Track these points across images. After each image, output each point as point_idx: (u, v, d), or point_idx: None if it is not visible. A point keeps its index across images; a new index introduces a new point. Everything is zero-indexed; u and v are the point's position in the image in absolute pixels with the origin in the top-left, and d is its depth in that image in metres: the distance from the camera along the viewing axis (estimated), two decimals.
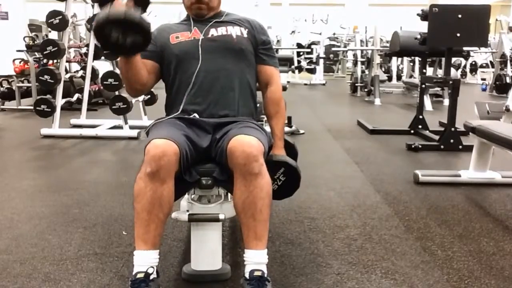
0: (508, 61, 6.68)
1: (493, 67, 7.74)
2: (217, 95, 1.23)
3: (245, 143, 1.07)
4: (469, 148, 2.44)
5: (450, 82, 2.83)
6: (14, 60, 5.17)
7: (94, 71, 3.96)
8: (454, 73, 5.68)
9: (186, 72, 1.25)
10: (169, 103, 1.31)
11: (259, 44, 1.30)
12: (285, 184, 1.23)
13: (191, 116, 1.22)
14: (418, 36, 3.03)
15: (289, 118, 3.50)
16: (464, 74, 8.96)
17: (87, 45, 3.79)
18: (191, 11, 1.30)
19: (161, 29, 1.32)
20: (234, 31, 1.27)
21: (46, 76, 3.20)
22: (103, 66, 4.03)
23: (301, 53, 9.06)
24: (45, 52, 3.24)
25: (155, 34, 1.29)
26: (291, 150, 1.35)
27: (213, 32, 1.26)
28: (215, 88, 1.23)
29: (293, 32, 9.49)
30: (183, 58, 1.25)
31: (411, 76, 7.10)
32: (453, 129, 2.86)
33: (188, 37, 1.26)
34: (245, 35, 1.27)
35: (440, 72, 5.10)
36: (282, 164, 1.22)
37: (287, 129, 3.44)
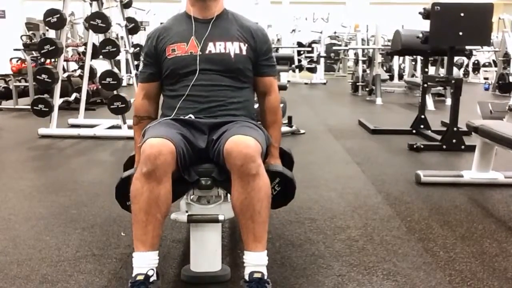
0: (511, 60, 6.64)
1: (496, 66, 7.71)
2: (212, 110, 1.21)
3: (242, 143, 1.05)
4: (471, 148, 2.42)
5: (453, 81, 2.82)
6: (11, 59, 5.16)
7: (92, 70, 3.94)
8: (457, 72, 5.65)
9: (181, 85, 1.23)
10: (165, 108, 1.29)
11: (261, 55, 1.27)
12: (280, 194, 1.22)
13: (187, 117, 1.20)
14: (420, 35, 3.01)
15: (290, 118, 3.48)
16: (466, 73, 8.92)
17: (85, 44, 3.77)
18: (196, 8, 1.24)
19: (156, 35, 1.27)
20: (233, 48, 1.22)
21: (43, 75, 3.19)
22: (101, 65, 4.01)
23: (302, 52, 9.04)
24: (42, 51, 3.22)
25: (153, 44, 1.25)
26: (287, 158, 1.34)
27: (211, 47, 1.21)
28: (210, 102, 1.21)
29: (293, 30, 9.47)
30: (179, 73, 1.22)
31: (413, 75, 7.08)
32: (455, 129, 2.84)
33: (185, 51, 1.22)
34: (244, 52, 1.23)
35: (442, 71, 5.08)
36: (278, 175, 1.21)
37: (287, 129, 3.42)
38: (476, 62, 8.78)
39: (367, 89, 6.07)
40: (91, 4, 3.56)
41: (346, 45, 9.16)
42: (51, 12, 3.25)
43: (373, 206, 1.83)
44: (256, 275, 1.06)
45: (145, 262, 1.07)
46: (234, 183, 1.08)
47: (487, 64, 8.71)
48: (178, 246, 1.44)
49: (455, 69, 4.27)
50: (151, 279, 1.05)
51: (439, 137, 2.98)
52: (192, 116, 1.20)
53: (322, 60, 8.81)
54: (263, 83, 1.30)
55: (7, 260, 1.33)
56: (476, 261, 1.35)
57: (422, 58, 4.54)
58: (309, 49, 9.05)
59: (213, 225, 1.17)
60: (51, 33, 4.78)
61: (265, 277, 1.07)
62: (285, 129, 3.41)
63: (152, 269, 1.06)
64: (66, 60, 4.46)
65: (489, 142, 1.95)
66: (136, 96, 1.32)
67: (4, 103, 4.89)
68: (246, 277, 1.07)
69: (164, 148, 1.04)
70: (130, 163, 1.32)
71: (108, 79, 3.25)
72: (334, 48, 9.40)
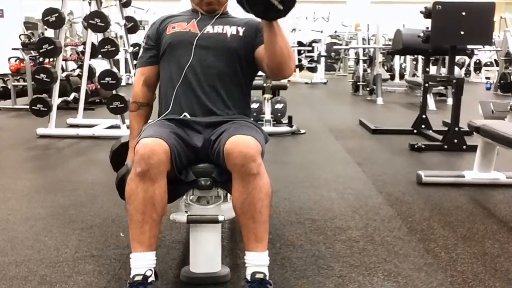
0: None
1: (497, 65, 7.69)
2: (205, 93, 1.20)
3: (242, 143, 1.05)
4: (473, 148, 2.40)
5: (454, 81, 2.81)
6: (9, 59, 5.13)
7: (91, 70, 3.93)
8: (458, 72, 5.64)
9: (176, 64, 1.22)
10: (160, 97, 1.29)
11: (261, 29, 1.22)
12: None
13: (181, 116, 1.20)
14: (421, 34, 3.00)
15: (290, 118, 3.47)
16: (468, 73, 8.89)
17: (84, 43, 3.76)
18: (202, 6, 1.26)
19: (161, 20, 1.29)
20: (230, 30, 1.23)
21: (42, 75, 3.17)
22: (100, 64, 4.00)
23: (302, 52, 9.02)
24: (41, 50, 3.20)
25: (157, 27, 1.27)
26: None
27: (209, 29, 1.24)
28: (204, 86, 1.20)
29: (293, 30, 9.44)
30: (175, 47, 1.23)
31: (414, 75, 7.06)
32: (457, 128, 2.83)
33: (184, 28, 1.24)
34: (241, 34, 1.23)
35: (444, 71, 5.06)
36: None
37: (288, 128, 3.41)
38: (477, 61, 8.75)
39: (368, 89, 6.06)
40: (90, 3, 3.55)
41: (346, 45, 9.14)
42: (49, 11, 3.23)
43: (374, 206, 1.82)
44: (258, 276, 1.06)
45: (142, 262, 1.06)
46: (235, 183, 1.07)
47: (488, 63, 8.69)
48: (177, 246, 1.43)
49: (456, 69, 4.26)
50: (149, 280, 1.05)
51: (440, 137, 2.97)
52: (187, 115, 1.19)
53: (322, 60, 8.79)
54: None
55: (5, 261, 1.32)
56: (477, 262, 1.34)
57: (423, 57, 4.54)
58: (310, 48, 9.03)
59: (212, 226, 1.16)
60: (50, 32, 4.77)
61: (267, 278, 1.07)
62: (285, 129, 3.40)
63: (150, 270, 1.06)
64: (65, 60, 4.45)
65: (490, 142, 1.94)
66: (135, 82, 1.31)
67: (3, 103, 4.86)
68: (248, 277, 1.07)
69: (158, 148, 1.04)
70: (122, 149, 1.29)
71: (107, 79, 3.23)
72: (335, 47, 9.37)
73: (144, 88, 1.29)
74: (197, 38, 1.21)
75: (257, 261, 1.07)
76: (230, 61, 1.22)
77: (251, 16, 1.31)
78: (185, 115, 1.19)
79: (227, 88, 1.22)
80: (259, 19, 1.27)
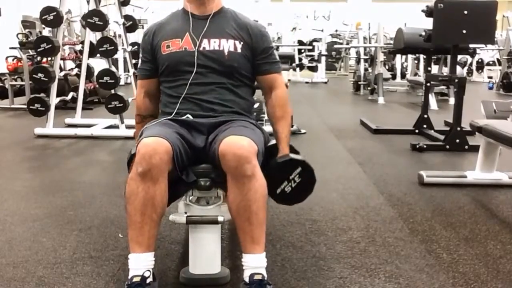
0: None
1: (500, 65, 7.68)
2: (207, 107, 1.19)
3: (235, 144, 1.04)
4: (475, 148, 2.39)
5: (456, 80, 2.79)
6: (7, 58, 5.13)
7: (90, 69, 3.90)
8: (460, 71, 5.61)
9: (175, 84, 1.22)
10: (163, 107, 1.27)
11: (259, 53, 1.23)
12: (299, 187, 1.19)
13: (184, 117, 1.19)
14: (423, 33, 2.99)
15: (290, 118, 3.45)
16: (470, 72, 8.89)
17: (82, 42, 3.75)
18: (192, 5, 1.23)
19: (153, 31, 1.26)
20: (228, 45, 1.20)
21: (40, 74, 3.15)
22: (99, 64, 3.98)
23: (303, 51, 9.00)
24: (39, 50, 3.19)
25: (150, 40, 1.25)
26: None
27: (205, 44, 1.20)
28: (205, 101, 1.19)
29: (294, 29, 9.43)
30: (172, 68, 1.21)
31: (415, 74, 7.03)
32: (459, 128, 2.82)
33: (179, 47, 1.21)
34: (239, 50, 1.21)
35: (446, 70, 5.04)
36: (300, 164, 1.18)
37: None
38: (479, 60, 8.74)
39: (369, 88, 6.05)
40: (88, 2, 3.55)
41: (347, 44, 9.12)
42: (47, 10, 3.21)
43: (375, 207, 1.81)
44: (257, 277, 1.05)
45: (141, 263, 1.06)
46: (229, 185, 1.06)
47: (491, 62, 8.66)
48: (176, 247, 1.42)
49: (458, 68, 4.23)
50: (148, 281, 1.05)
51: (442, 137, 2.96)
52: (190, 117, 1.18)
53: (323, 59, 8.78)
54: (267, 81, 1.26)
55: (2, 262, 1.32)
56: (480, 263, 1.33)
57: (425, 56, 4.51)
58: (310, 47, 9.01)
59: (212, 227, 1.16)
60: (48, 31, 4.75)
61: (266, 279, 1.06)
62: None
63: (149, 270, 1.06)
64: (63, 59, 4.43)
65: (493, 142, 1.93)
66: (137, 94, 1.32)
67: (0, 103, 4.86)
68: (246, 279, 1.06)
69: (160, 147, 1.03)
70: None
71: (105, 78, 3.22)
72: (336, 46, 9.35)
73: (145, 100, 1.30)
74: (195, 57, 1.18)
75: (254, 263, 1.07)
76: (229, 77, 1.21)
77: (249, 16, 1.30)
78: (188, 116, 1.18)
79: (228, 99, 1.21)
80: (260, 27, 1.27)
